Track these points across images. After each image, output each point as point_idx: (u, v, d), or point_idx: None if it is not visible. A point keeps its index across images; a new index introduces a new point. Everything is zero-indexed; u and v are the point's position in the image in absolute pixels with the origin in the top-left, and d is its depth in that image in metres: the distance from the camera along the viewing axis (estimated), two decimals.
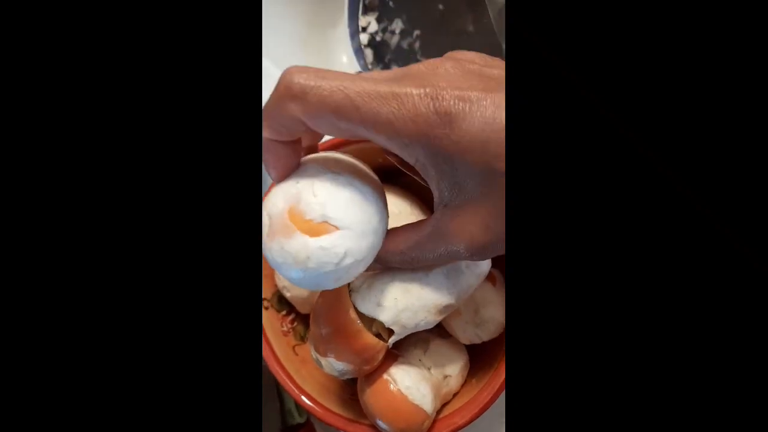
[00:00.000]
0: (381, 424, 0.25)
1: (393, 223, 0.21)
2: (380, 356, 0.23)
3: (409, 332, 0.22)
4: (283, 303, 0.32)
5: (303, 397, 0.29)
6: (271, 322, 0.31)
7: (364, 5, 0.43)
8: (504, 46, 0.38)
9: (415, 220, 0.21)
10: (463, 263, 0.22)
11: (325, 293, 0.23)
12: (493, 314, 0.25)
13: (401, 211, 0.29)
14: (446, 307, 0.22)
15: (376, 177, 0.21)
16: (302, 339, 0.32)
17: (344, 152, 0.30)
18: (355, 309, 0.22)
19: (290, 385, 0.29)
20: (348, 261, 0.18)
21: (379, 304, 0.22)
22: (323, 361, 0.23)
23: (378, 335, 0.22)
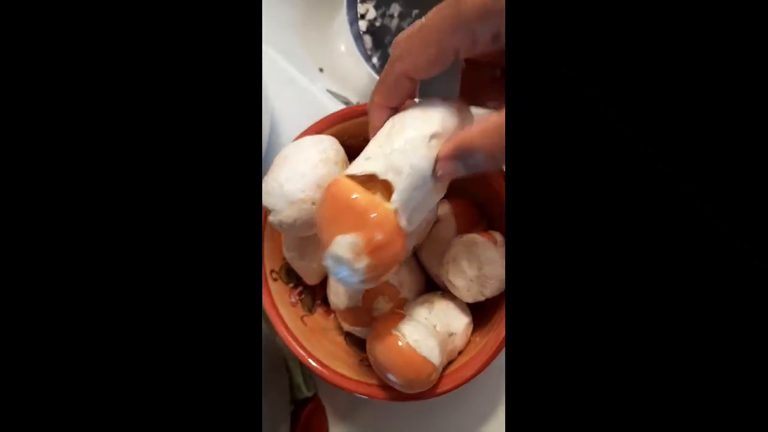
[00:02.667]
0: (391, 377, 0.26)
1: None
2: (393, 230, 0.21)
3: (409, 180, 0.21)
4: (291, 275, 0.33)
5: (312, 362, 0.29)
6: (280, 293, 0.32)
7: None
8: None
9: None
10: (439, 98, 0.22)
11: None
12: (495, 272, 0.26)
13: None
14: (433, 136, 0.21)
15: None
16: (310, 311, 0.33)
17: (351, 123, 0.31)
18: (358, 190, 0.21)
19: (300, 351, 0.30)
20: None
21: (367, 158, 0.21)
22: (334, 245, 0.21)
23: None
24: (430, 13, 0.20)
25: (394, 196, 0.21)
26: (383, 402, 0.37)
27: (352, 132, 0.31)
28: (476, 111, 0.24)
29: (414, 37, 0.20)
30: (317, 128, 0.31)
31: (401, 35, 0.21)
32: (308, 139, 0.28)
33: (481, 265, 0.26)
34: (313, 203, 0.27)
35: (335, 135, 0.30)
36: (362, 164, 0.22)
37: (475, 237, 0.27)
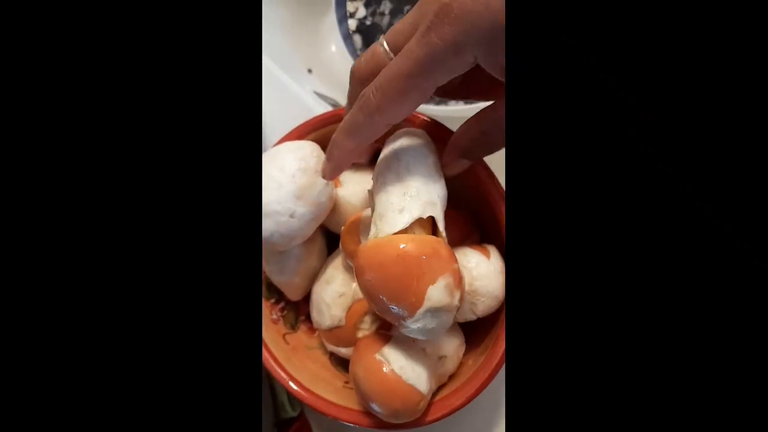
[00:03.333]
0: (375, 407, 0.23)
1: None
2: (449, 253, 0.22)
3: (441, 207, 0.22)
4: (272, 290, 0.31)
5: (292, 384, 0.27)
6: None
7: None
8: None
9: None
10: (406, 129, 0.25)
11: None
12: (488, 288, 0.24)
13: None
14: (435, 162, 0.23)
15: None
16: (292, 327, 0.31)
17: (334, 128, 0.29)
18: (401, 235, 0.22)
19: (280, 372, 0.28)
20: None
21: (401, 210, 0.22)
22: (429, 300, 0.20)
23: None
24: (399, 60, 0.19)
25: (440, 226, 0.22)
26: None
27: None
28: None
29: (388, 87, 0.20)
30: (298, 133, 0.29)
31: (369, 88, 0.21)
32: (287, 145, 0.26)
33: (472, 281, 0.24)
34: (291, 215, 0.25)
35: (318, 140, 0.28)
36: (400, 218, 0.22)
37: (467, 250, 0.25)
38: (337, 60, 0.48)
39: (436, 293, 0.20)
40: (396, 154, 0.23)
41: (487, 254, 0.25)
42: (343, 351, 0.28)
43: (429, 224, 0.22)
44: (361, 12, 0.42)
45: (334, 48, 0.48)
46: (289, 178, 0.24)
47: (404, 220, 0.21)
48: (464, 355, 0.27)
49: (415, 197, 0.22)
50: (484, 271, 0.24)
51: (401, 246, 0.21)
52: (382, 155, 0.24)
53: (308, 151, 0.26)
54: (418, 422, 0.25)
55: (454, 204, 0.29)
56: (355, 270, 0.22)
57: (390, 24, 0.41)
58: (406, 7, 0.40)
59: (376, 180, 0.24)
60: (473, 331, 0.27)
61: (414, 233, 0.22)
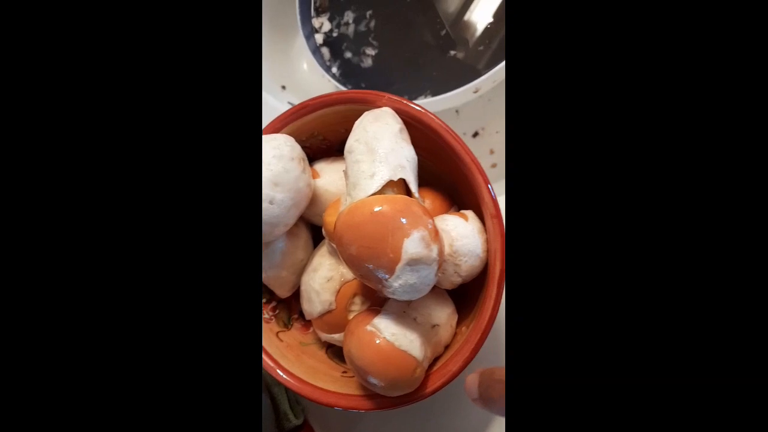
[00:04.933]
0: (372, 380, 0.23)
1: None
2: (422, 209, 0.22)
3: (410, 169, 0.23)
4: (262, 290, 0.31)
5: (284, 375, 0.27)
6: None
7: (315, 8, 0.44)
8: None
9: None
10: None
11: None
12: (468, 246, 0.24)
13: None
14: (401, 131, 0.24)
15: None
16: (286, 326, 0.31)
17: (306, 121, 0.30)
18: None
19: (274, 367, 0.27)
20: None
21: (372, 175, 0.22)
22: (406, 252, 0.21)
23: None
24: None
25: (413, 187, 0.23)
26: (377, 418, 0.34)
27: (309, 131, 0.30)
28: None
29: None
30: (270, 129, 0.29)
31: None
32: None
33: (452, 242, 0.24)
34: (271, 202, 0.25)
35: (290, 134, 0.29)
36: (372, 182, 0.23)
37: (445, 216, 0.25)
38: (308, 76, 0.49)
39: (413, 245, 0.21)
40: (363, 128, 0.24)
41: (465, 217, 0.25)
42: (337, 337, 0.28)
43: (401, 186, 0.23)
44: (326, 26, 0.44)
45: (305, 66, 0.50)
46: (265, 167, 0.25)
47: (376, 184, 0.22)
48: (458, 324, 0.27)
49: (384, 162, 0.23)
50: (462, 231, 0.24)
51: (375, 208, 0.21)
52: (351, 133, 0.25)
53: (281, 141, 0.27)
54: (417, 394, 0.24)
55: (433, 181, 0.30)
56: (335, 240, 0.23)
57: (356, 32, 0.43)
58: (368, 12, 0.42)
59: (347, 156, 0.24)
60: (464, 301, 0.27)
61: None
